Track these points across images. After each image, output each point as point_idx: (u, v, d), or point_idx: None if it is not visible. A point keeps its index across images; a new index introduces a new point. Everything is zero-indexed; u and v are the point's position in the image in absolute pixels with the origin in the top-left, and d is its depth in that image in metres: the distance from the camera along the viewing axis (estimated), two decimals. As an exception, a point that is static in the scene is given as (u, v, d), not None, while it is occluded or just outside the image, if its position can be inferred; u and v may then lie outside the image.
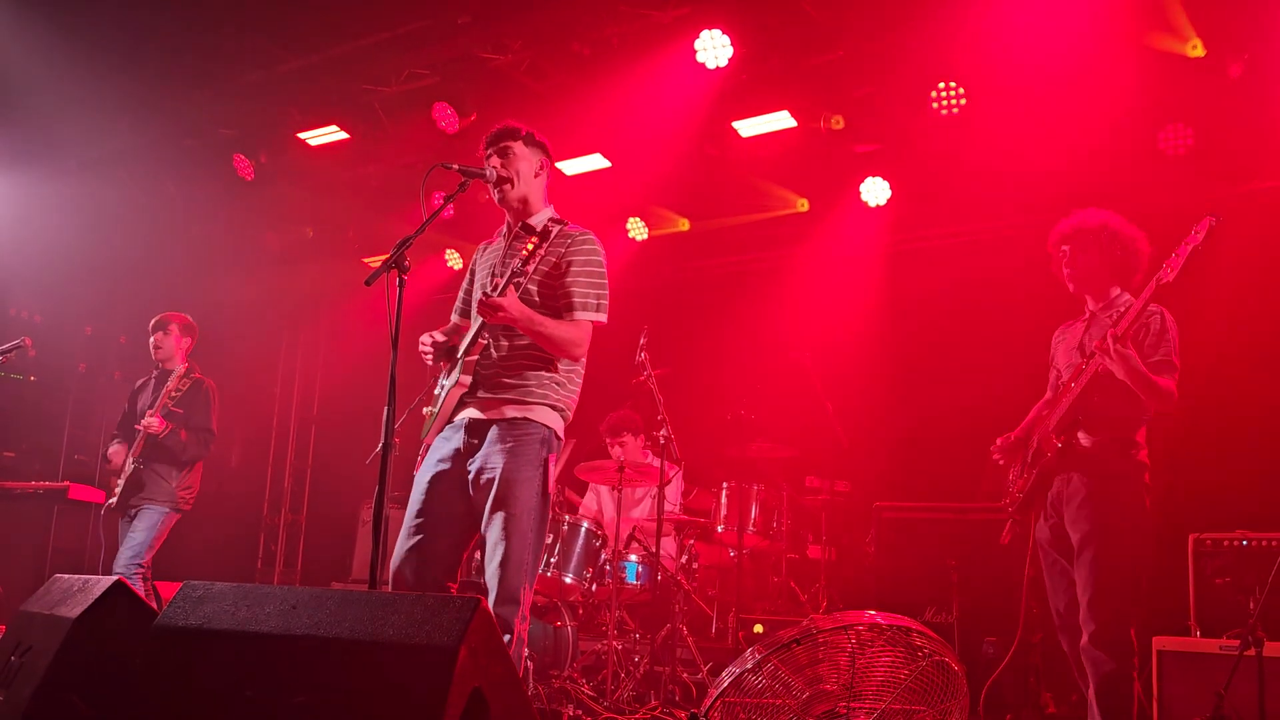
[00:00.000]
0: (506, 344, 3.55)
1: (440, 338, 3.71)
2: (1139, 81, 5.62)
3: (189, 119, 7.42)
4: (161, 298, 7.39)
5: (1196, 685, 4.38)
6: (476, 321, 3.54)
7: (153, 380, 6.16)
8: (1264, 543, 4.80)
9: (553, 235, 3.54)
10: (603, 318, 3.59)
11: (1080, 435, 3.85)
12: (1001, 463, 4.25)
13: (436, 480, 3.52)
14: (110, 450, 5.97)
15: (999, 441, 4.22)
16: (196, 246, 8.60)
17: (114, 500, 5.84)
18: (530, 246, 3.37)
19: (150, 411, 5.80)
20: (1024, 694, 5.39)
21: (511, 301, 3.35)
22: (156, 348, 6.08)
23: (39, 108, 7.13)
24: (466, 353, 3.54)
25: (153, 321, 6.12)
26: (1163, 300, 3.79)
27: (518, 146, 3.66)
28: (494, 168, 3.64)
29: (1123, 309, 3.95)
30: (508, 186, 3.64)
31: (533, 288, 3.52)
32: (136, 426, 5.82)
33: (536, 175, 3.69)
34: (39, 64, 6.65)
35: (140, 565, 5.68)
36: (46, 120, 7.31)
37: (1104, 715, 3.63)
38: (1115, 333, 3.66)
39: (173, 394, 5.87)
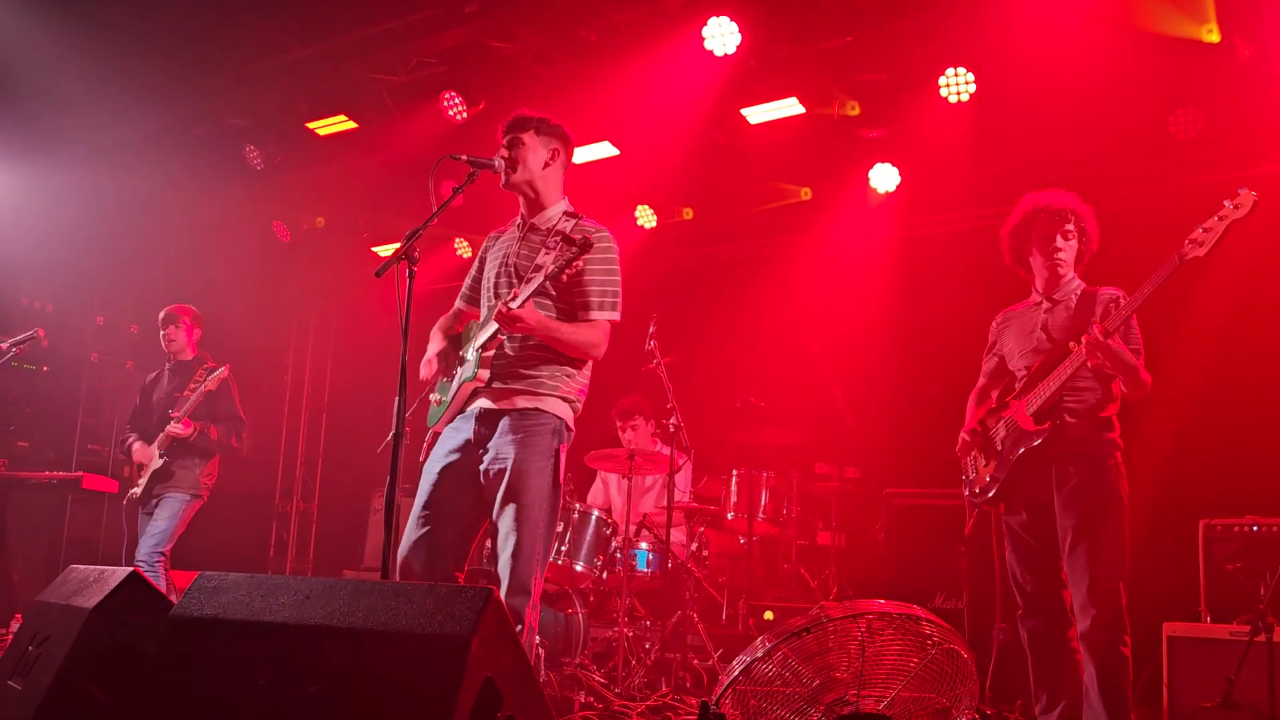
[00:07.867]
0: (520, 339, 3.57)
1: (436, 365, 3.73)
2: (1149, 65, 5.59)
3: (198, 107, 7.42)
4: (172, 287, 7.42)
5: (1207, 671, 4.39)
6: (493, 324, 3.53)
7: (165, 373, 6.19)
8: (1275, 528, 4.79)
9: (569, 231, 3.54)
10: (617, 316, 3.61)
11: (1066, 419, 3.80)
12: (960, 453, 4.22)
13: (446, 470, 3.53)
14: (134, 448, 5.96)
15: (965, 436, 4.17)
16: (206, 235, 8.62)
17: (137, 491, 5.87)
18: (569, 256, 3.32)
19: (173, 413, 5.82)
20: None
21: (530, 313, 3.38)
22: (169, 340, 6.13)
23: (48, 97, 7.14)
24: (484, 348, 3.55)
25: (161, 315, 6.15)
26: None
27: (527, 136, 3.66)
28: (502, 158, 3.64)
29: (1078, 292, 3.94)
30: (511, 172, 3.63)
31: (548, 284, 3.52)
32: (166, 432, 5.80)
33: (546, 165, 3.68)
34: (48, 53, 6.66)
35: (162, 554, 5.72)
36: (56, 109, 7.33)
37: (1106, 696, 3.63)
38: (1104, 328, 3.60)
39: (194, 390, 5.86)
